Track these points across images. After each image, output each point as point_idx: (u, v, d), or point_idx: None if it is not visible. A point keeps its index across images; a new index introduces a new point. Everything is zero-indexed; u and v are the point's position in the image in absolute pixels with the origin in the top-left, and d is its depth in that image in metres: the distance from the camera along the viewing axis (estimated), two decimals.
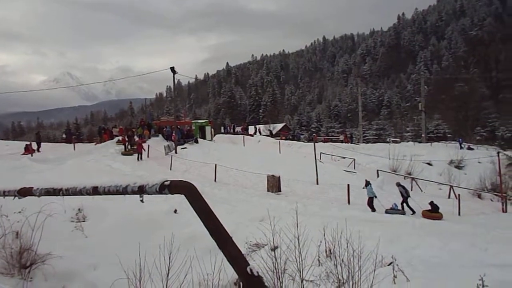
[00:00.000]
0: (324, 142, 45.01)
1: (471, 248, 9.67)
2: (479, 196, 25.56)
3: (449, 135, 57.23)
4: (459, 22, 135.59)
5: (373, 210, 17.48)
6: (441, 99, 62.35)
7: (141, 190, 3.70)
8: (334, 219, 9.42)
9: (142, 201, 4.02)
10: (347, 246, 4.81)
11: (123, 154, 27.17)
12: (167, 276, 4.10)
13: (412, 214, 17.62)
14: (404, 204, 18.27)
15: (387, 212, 17.39)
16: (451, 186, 24.84)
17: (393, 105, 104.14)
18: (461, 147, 40.40)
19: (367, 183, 18.54)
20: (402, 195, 18.42)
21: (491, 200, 24.67)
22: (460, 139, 44.85)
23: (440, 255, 9.29)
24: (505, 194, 23.22)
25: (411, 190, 25.58)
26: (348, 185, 19.94)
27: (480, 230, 13.64)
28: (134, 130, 33.57)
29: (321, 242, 6.35)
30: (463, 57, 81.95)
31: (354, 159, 31.84)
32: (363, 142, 52.65)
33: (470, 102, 59.28)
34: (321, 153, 32.25)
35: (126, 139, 28.62)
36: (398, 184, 19.17)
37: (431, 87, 70.54)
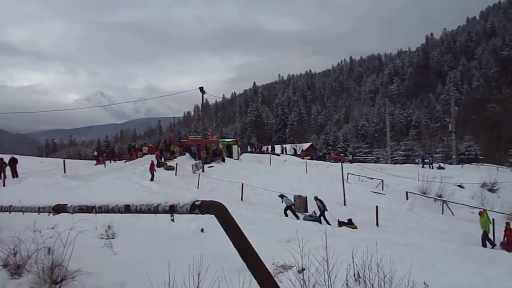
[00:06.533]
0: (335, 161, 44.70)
1: (509, 276, 9.23)
2: None
3: (481, 157, 55.49)
4: (490, 42, 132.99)
5: (290, 215, 19.39)
6: (472, 120, 60.72)
7: (172, 210, 3.75)
8: (363, 241, 9.22)
9: (173, 220, 4.06)
10: (377, 271, 4.68)
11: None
12: None
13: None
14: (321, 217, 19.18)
15: (304, 218, 18.99)
16: (485, 210, 23.89)
17: (421, 125, 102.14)
18: (430, 167, 39.31)
19: (282, 196, 20.23)
20: (320, 209, 19.27)
21: None
22: (431, 158, 43.32)
23: (474, 282, 8.91)
24: None
25: (442, 213, 24.88)
26: (377, 206, 19.55)
27: None
28: (165, 146, 35.30)
29: (349, 265, 6.21)
30: (494, 77, 79.86)
31: (382, 180, 31.23)
32: (391, 163, 51.69)
33: (503, 123, 57.46)
34: (348, 173, 31.81)
35: (160, 154, 30.97)
36: (316, 198, 19.88)
37: (462, 108, 68.77)
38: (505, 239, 16.61)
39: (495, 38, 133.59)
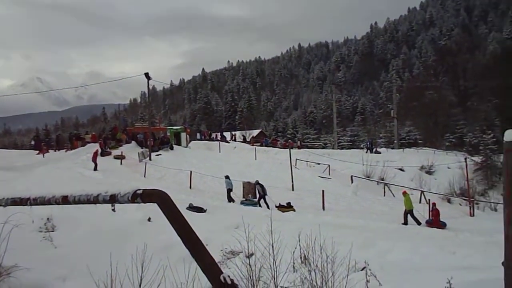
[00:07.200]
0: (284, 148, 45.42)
1: (440, 252, 9.90)
2: (449, 201, 26.33)
3: (420, 142, 58.66)
4: (429, 32, 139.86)
5: (231, 200, 20.07)
6: (412, 106, 63.82)
7: (112, 199, 3.63)
8: (308, 225, 9.47)
9: (113, 210, 3.95)
10: (321, 252, 4.84)
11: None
12: (140, 286, 4.02)
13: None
14: (262, 201, 19.84)
15: (241, 203, 19.73)
16: (422, 191, 25.42)
17: (366, 112, 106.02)
18: (371, 151, 41.49)
19: (227, 177, 20.79)
20: (259, 193, 20.01)
21: (460, 205, 25.41)
22: (368, 142, 45.96)
23: (411, 259, 9.49)
24: (472, 199, 23.98)
25: (384, 195, 26.15)
26: (323, 191, 20.12)
27: (449, 233, 14.00)
28: (110, 134, 33.83)
29: (295, 248, 6.36)
30: (432, 66, 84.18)
31: (329, 165, 32.17)
32: (338, 148, 53.38)
33: (440, 109, 61.01)
34: (296, 159, 32.44)
35: (103, 142, 29.15)
36: (257, 183, 20.46)
37: (403, 95, 72.08)
38: (432, 217, 17.89)
39: (433, 28, 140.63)
